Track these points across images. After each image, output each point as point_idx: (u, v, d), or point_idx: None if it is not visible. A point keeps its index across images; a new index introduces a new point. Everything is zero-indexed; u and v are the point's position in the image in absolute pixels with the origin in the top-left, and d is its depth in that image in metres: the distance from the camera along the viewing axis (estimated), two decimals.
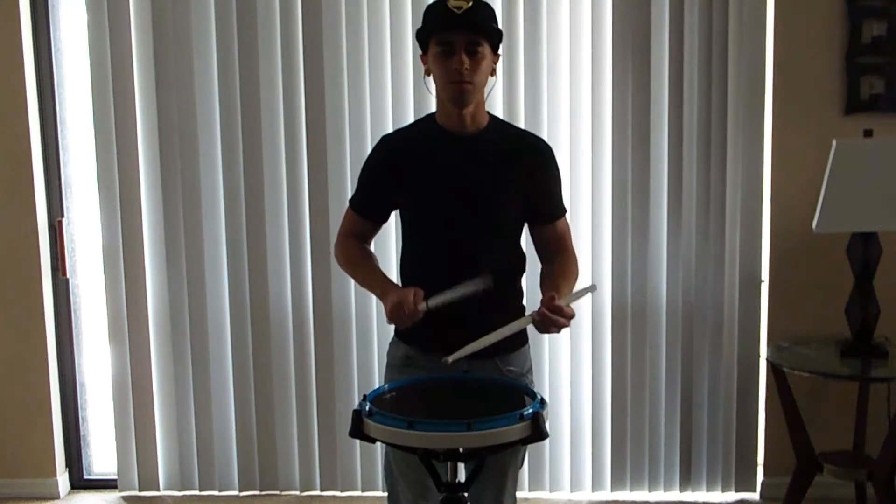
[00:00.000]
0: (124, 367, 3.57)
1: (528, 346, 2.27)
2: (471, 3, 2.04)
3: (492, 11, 2.12)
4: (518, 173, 2.15)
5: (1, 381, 3.62)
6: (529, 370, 2.26)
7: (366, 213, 2.27)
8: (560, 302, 1.95)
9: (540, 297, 2.02)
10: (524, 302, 2.29)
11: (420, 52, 2.16)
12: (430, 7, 2.12)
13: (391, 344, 2.26)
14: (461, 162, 2.13)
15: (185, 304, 3.52)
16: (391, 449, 2.17)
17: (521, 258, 2.26)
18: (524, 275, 2.29)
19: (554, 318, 1.94)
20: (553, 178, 2.24)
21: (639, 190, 3.38)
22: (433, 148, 2.15)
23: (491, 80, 2.13)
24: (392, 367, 2.24)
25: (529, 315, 1.98)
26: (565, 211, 2.28)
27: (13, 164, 3.52)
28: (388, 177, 2.19)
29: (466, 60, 2.04)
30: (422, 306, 1.97)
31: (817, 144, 3.24)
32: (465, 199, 2.12)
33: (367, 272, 2.21)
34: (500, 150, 2.15)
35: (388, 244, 3.39)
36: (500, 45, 2.15)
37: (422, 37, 2.12)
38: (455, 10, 2.02)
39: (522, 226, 2.25)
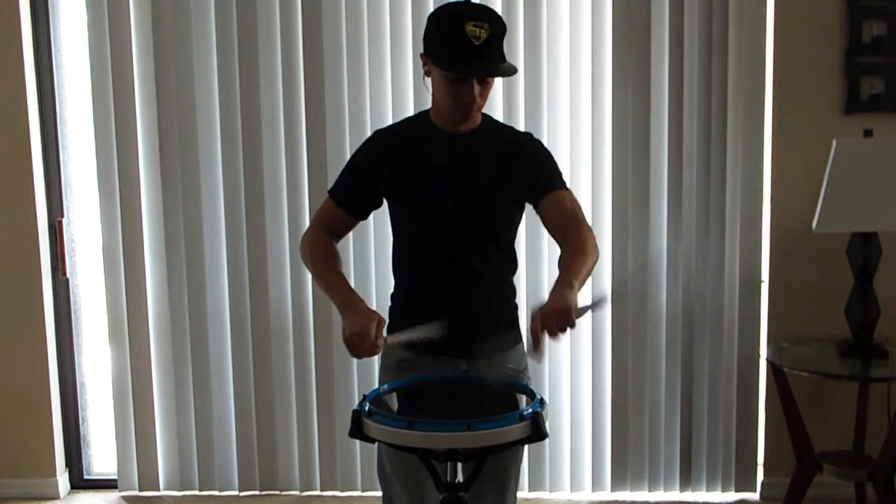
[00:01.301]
0: (124, 367, 3.57)
1: (523, 345, 2.27)
2: (489, 31, 1.93)
3: (504, 32, 2.02)
4: (512, 166, 2.13)
5: (1, 381, 3.62)
6: (526, 368, 2.26)
7: (347, 204, 2.20)
8: (542, 323, 1.81)
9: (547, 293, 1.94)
10: (517, 300, 2.28)
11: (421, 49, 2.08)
12: (442, 24, 2.00)
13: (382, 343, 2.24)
14: (455, 159, 2.12)
15: (185, 304, 3.52)
16: (386, 451, 2.17)
17: (513, 258, 2.25)
18: (515, 275, 2.27)
19: (545, 338, 1.81)
20: (548, 160, 2.18)
21: (639, 190, 3.38)
22: (427, 145, 2.13)
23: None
24: (387, 369, 2.22)
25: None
26: (566, 188, 2.17)
27: (13, 164, 3.52)
28: (378, 171, 2.16)
29: (478, 89, 1.99)
30: (380, 342, 1.92)
31: (817, 144, 3.24)
32: (457, 196, 2.11)
33: (329, 275, 2.12)
34: (493, 147, 2.14)
35: (387, 244, 3.39)
36: None
37: (430, 50, 2.02)
38: (473, 41, 1.91)
39: (516, 224, 2.23)
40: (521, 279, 3.25)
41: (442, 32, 1.99)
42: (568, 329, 1.80)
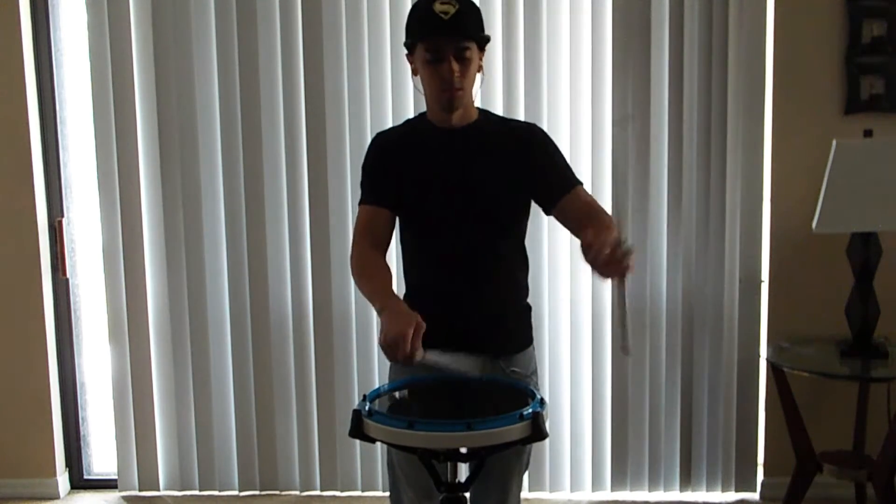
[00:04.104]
0: (124, 367, 3.57)
1: (533, 348, 2.26)
2: (457, 7, 2.02)
3: (478, 13, 2.10)
4: (514, 159, 2.14)
5: (1, 381, 3.62)
6: (534, 372, 2.25)
7: (380, 199, 2.16)
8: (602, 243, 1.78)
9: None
10: (528, 300, 2.28)
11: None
12: (414, 11, 2.10)
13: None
14: (454, 155, 2.13)
15: (185, 303, 3.52)
16: (394, 450, 2.17)
17: (523, 254, 2.24)
18: (527, 274, 2.27)
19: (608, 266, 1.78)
20: (554, 152, 2.20)
21: (639, 190, 3.38)
22: (426, 143, 2.15)
23: (478, 77, 2.13)
24: (396, 366, 2.23)
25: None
26: (581, 182, 2.19)
27: (13, 164, 3.52)
28: (388, 168, 2.17)
29: (456, 67, 2.04)
30: (419, 354, 1.85)
31: (817, 144, 3.24)
32: (459, 192, 2.11)
33: (370, 283, 2.08)
34: (493, 139, 2.15)
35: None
36: (487, 45, 2.14)
37: (407, 40, 2.11)
38: (442, 16, 2.01)
39: (524, 220, 2.22)
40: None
41: (414, 16, 2.09)
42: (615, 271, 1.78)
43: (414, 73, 2.13)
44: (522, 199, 2.19)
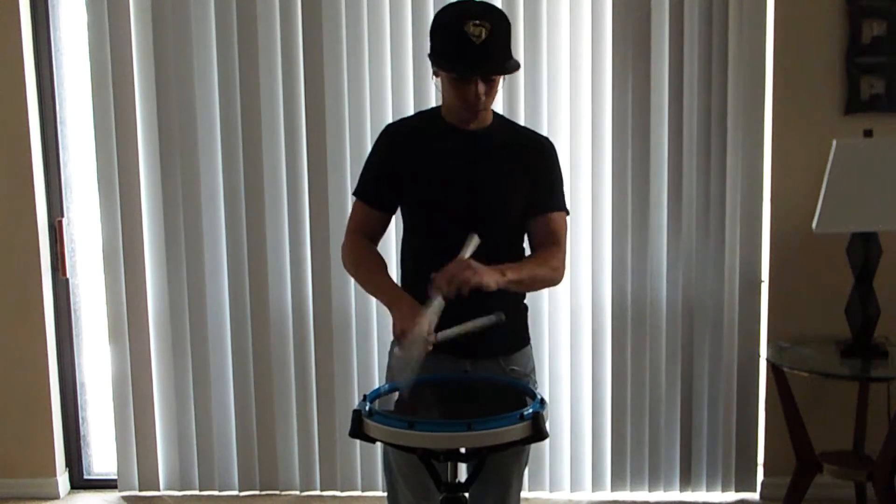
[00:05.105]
0: (124, 367, 3.57)
1: (531, 347, 2.27)
2: (490, 28, 1.94)
3: (508, 29, 2.03)
4: (521, 168, 2.15)
5: (1, 381, 3.62)
6: (532, 370, 2.26)
7: (374, 201, 2.20)
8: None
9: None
10: (526, 301, 2.29)
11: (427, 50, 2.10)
12: (444, 24, 2.01)
13: (393, 345, 2.25)
14: (466, 156, 2.13)
15: (185, 303, 3.52)
16: (392, 450, 2.17)
17: (522, 254, 2.25)
18: None
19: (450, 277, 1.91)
20: (554, 173, 2.21)
21: (639, 190, 3.38)
22: (438, 142, 2.14)
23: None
24: (391, 369, 2.23)
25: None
26: (566, 209, 2.24)
27: (13, 164, 3.52)
28: (394, 166, 2.17)
29: (482, 89, 2.00)
30: (430, 338, 1.91)
31: (817, 144, 3.24)
32: (468, 192, 2.12)
33: (374, 277, 2.15)
34: (505, 145, 2.15)
35: (387, 242, 3.39)
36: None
37: (434, 51, 2.04)
38: (473, 39, 1.93)
39: (524, 223, 2.23)
40: None
41: (443, 33, 2.01)
42: (453, 283, 1.91)
43: (435, 73, 2.09)
44: (521, 203, 2.19)
